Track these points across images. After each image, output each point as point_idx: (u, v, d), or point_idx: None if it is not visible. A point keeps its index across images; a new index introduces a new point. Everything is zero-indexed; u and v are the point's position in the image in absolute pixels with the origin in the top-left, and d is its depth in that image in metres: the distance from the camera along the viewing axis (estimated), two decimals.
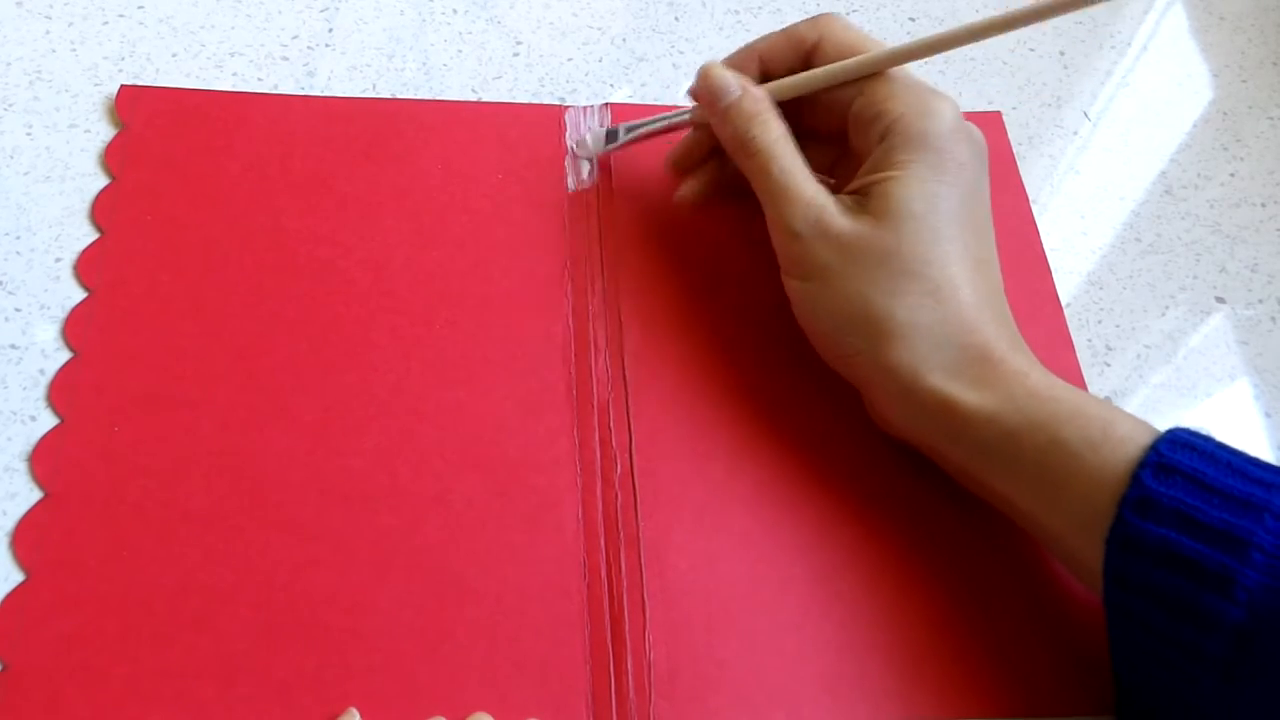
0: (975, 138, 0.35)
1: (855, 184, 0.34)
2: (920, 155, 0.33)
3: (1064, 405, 0.30)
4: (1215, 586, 0.27)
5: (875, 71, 0.35)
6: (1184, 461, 0.28)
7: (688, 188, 0.39)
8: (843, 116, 0.36)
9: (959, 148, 0.33)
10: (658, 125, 0.39)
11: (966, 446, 0.32)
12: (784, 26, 0.37)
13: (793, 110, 0.36)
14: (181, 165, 0.39)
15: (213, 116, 0.40)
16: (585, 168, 0.41)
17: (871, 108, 0.34)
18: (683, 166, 0.39)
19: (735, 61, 0.37)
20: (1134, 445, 0.29)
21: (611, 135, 0.40)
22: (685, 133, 0.39)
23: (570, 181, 0.40)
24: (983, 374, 0.31)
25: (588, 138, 0.41)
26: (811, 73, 0.36)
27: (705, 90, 0.36)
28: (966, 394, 0.31)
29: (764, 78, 0.37)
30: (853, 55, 0.35)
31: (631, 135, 0.40)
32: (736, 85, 0.36)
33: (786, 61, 0.36)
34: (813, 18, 0.36)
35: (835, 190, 0.35)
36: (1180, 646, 0.27)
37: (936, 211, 0.33)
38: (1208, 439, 0.29)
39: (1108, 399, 0.32)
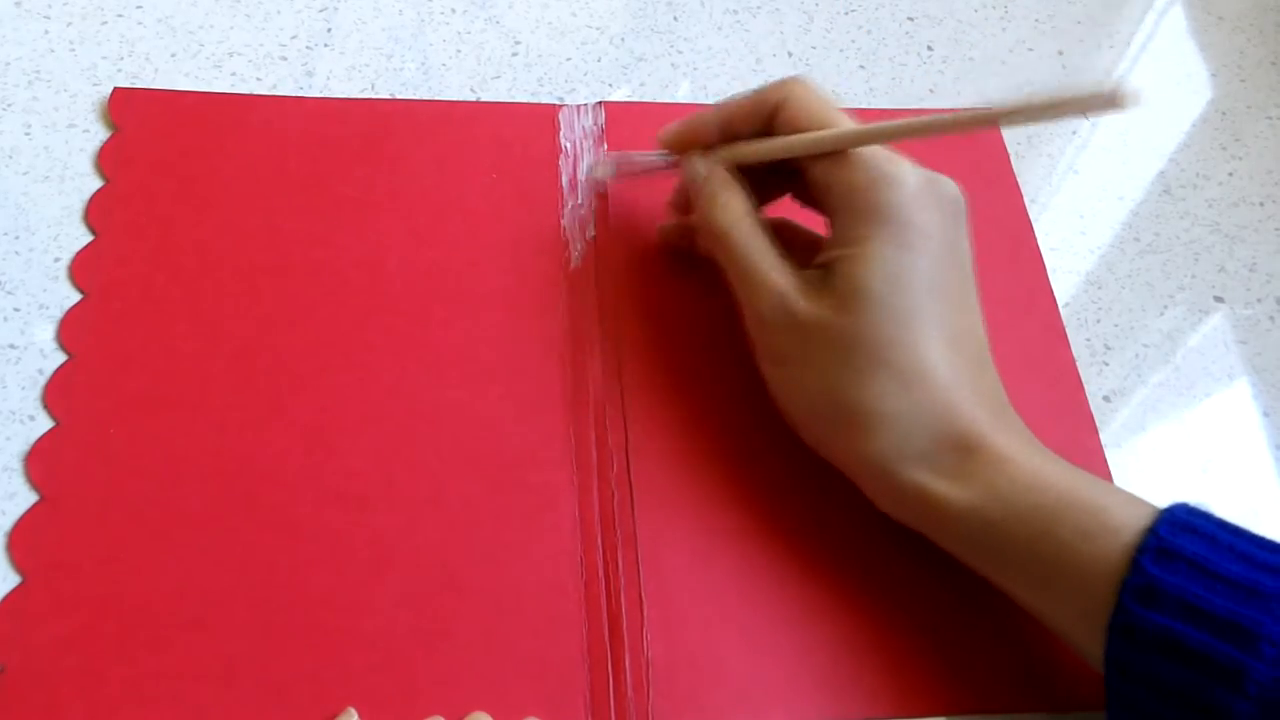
0: (945, 195, 0.32)
1: (819, 259, 0.33)
2: (879, 229, 0.31)
3: (1050, 494, 0.29)
4: (1224, 680, 0.26)
5: (834, 149, 0.33)
6: (1186, 546, 0.27)
7: (671, 224, 0.39)
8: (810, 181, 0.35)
9: (923, 215, 0.31)
10: (662, 162, 0.38)
11: (951, 537, 0.31)
12: (754, 90, 0.35)
13: (779, 170, 0.35)
14: (175, 167, 0.39)
15: (206, 118, 0.40)
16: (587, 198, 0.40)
17: (825, 177, 0.33)
18: (677, 213, 0.39)
19: (701, 122, 0.35)
20: (1130, 532, 0.28)
21: (623, 159, 0.40)
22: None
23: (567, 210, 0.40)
24: (961, 464, 0.30)
25: (599, 164, 0.40)
26: (768, 142, 0.34)
27: (682, 174, 0.36)
28: (945, 487, 0.30)
29: (728, 139, 0.35)
30: (814, 124, 0.33)
31: (642, 164, 0.39)
32: (704, 167, 0.35)
33: (750, 123, 0.35)
34: (780, 80, 0.34)
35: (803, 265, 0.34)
36: None
37: (901, 290, 0.31)
38: (1208, 518, 0.28)
39: (1095, 477, 0.31)
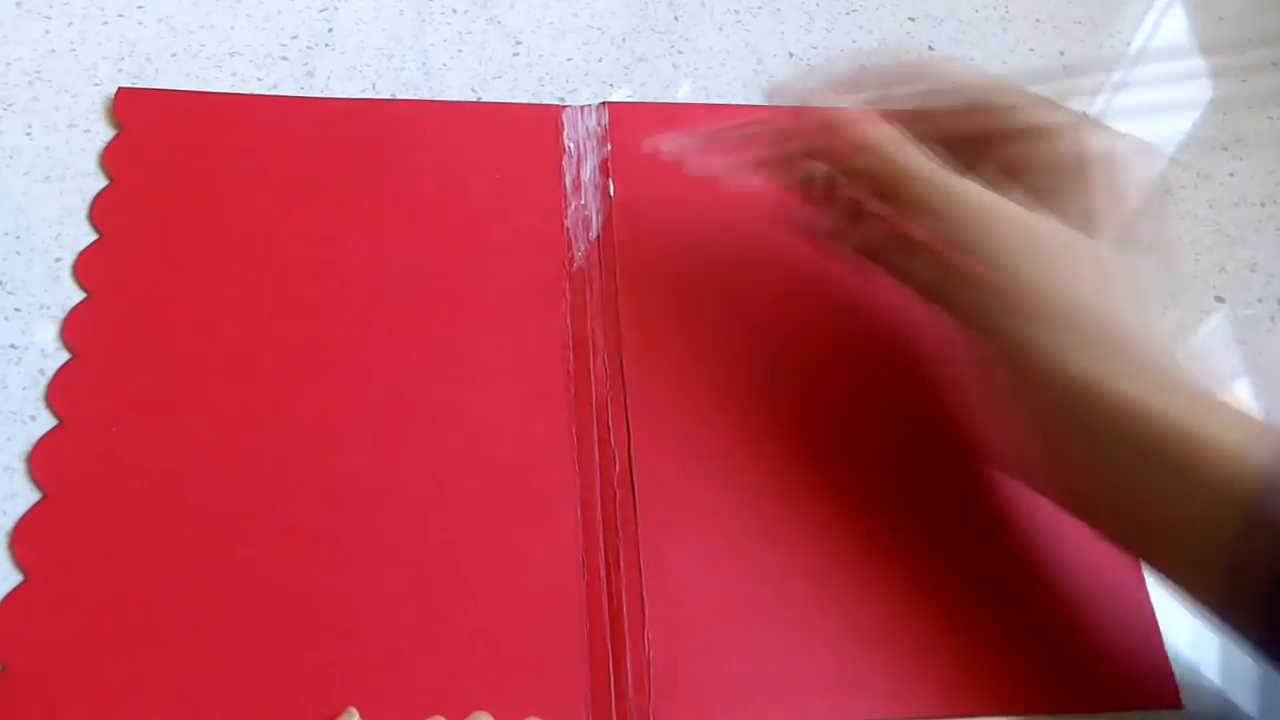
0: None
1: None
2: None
3: (1206, 399, 0.29)
4: None
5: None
6: None
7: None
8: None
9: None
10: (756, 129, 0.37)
11: (1098, 438, 0.30)
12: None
13: None
14: (179, 167, 0.39)
15: (210, 118, 0.40)
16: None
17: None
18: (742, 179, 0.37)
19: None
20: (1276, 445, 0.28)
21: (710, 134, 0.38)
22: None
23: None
24: (1123, 357, 0.30)
25: (671, 143, 0.38)
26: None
27: (831, 124, 0.34)
28: (1110, 377, 0.30)
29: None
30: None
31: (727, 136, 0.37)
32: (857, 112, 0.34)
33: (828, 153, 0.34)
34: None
35: None
36: None
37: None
38: None
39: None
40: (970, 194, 0.32)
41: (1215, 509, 0.28)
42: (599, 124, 0.42)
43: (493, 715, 0.30)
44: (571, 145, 0.41)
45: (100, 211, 0.37)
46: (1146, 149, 0.33)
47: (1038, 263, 0.31)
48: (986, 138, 0.34)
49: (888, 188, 0.33)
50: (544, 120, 0.42)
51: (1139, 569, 0.35)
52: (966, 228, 0.32)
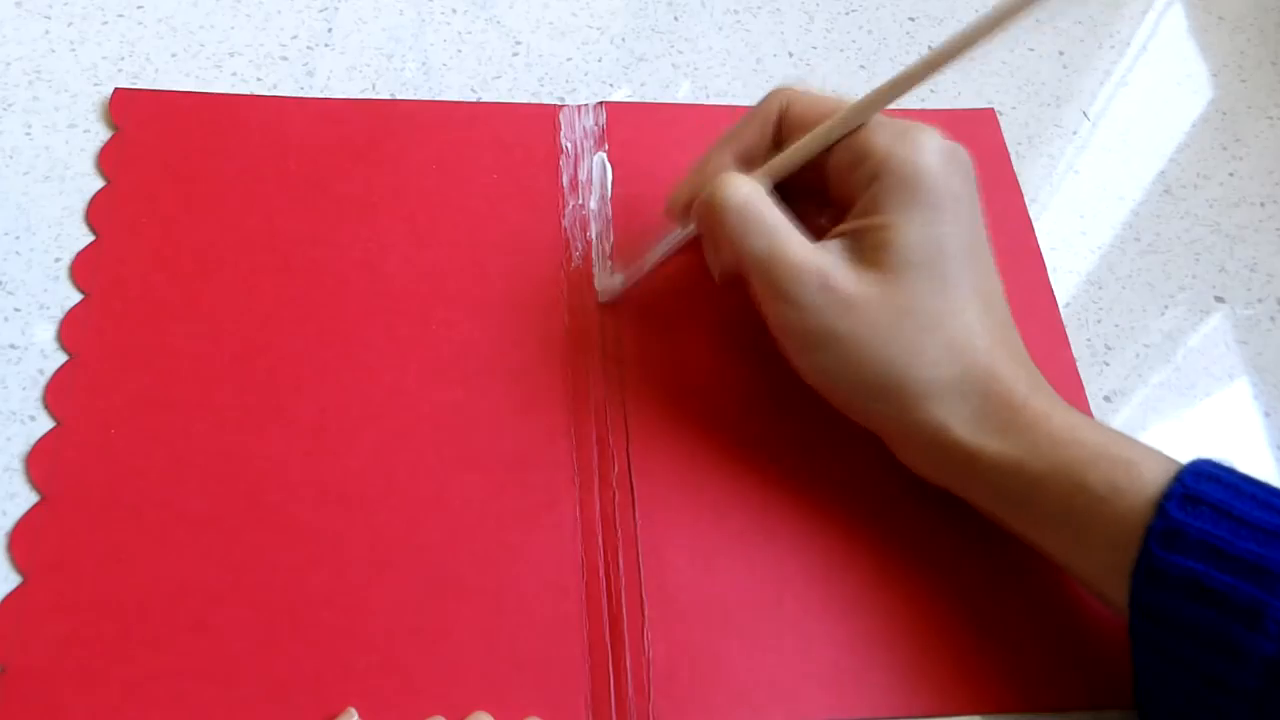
0: (962, 160, 0.33)
1: (846, 227, 0.32)
2: (915, 197, 0.31)
3: (1086, 449, 0.30)
4: (1245, 619, 0.26)
5: (847, 130, 0.33)
6: (1209, 492, 0.28)
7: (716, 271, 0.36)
8: (816, 170, 0.34)
9: (952, 180, 0.32)
10: (676, 242, 0.36)
11: (991, 493, 0.32)
12: (747, 110, 0.35)
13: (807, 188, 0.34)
14: (176, 168, 0.39)
15: (207, 119, 0.40)
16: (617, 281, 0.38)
17: (852, 153, 0.33)
18: (730, 281, 0.36)
19: (714, 164, 0.35)
20: (1157, 483, 0.29)
21: (631, 272, 0.38)
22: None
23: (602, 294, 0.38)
24: (1006, 422, 0.31)
25: (611, 281, 0.38)
26: (786, 153, 0.33)
27: (676, 204, 0.35)
28: (992, 443, 0.31)
29: (746, 170, 0.34)
30: (819, 118, 0.33)
31: (655, 259, 0.37)
32: (701, 177, 0.34)
33: (761, 142, 0.34)
34: (768, 94, 0.34)
35: (817, 236, 0.33)
36: (1210, 680, 0.27)
37: (942, 257, 0.31)
38: (1231, 471, 0.29)
39: (1127, 434, 0.31)
40: (808, 278, 0.31)
41: (1109, 556, 0.29)
42: (597, 124, 0.42)
43: (492, 715, 0.30)
44: (569, 145, 0.41)
45: (97, 213, 0.37)
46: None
47: (896, 349, 0.31)
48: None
49: (746, 273, 0.33)
50: (542, 120, 0.42)
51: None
52: (813, 315, 0.32)
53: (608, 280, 0.38)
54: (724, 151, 0.35)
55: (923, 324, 0.31)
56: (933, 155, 0.32)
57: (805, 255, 0.32)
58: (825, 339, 0.32)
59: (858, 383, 0.32)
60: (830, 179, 0.34)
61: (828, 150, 0.33)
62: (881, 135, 0.32)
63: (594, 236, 0.39)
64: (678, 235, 0.36)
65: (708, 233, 0.34)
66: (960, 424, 0.31)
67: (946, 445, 0.31)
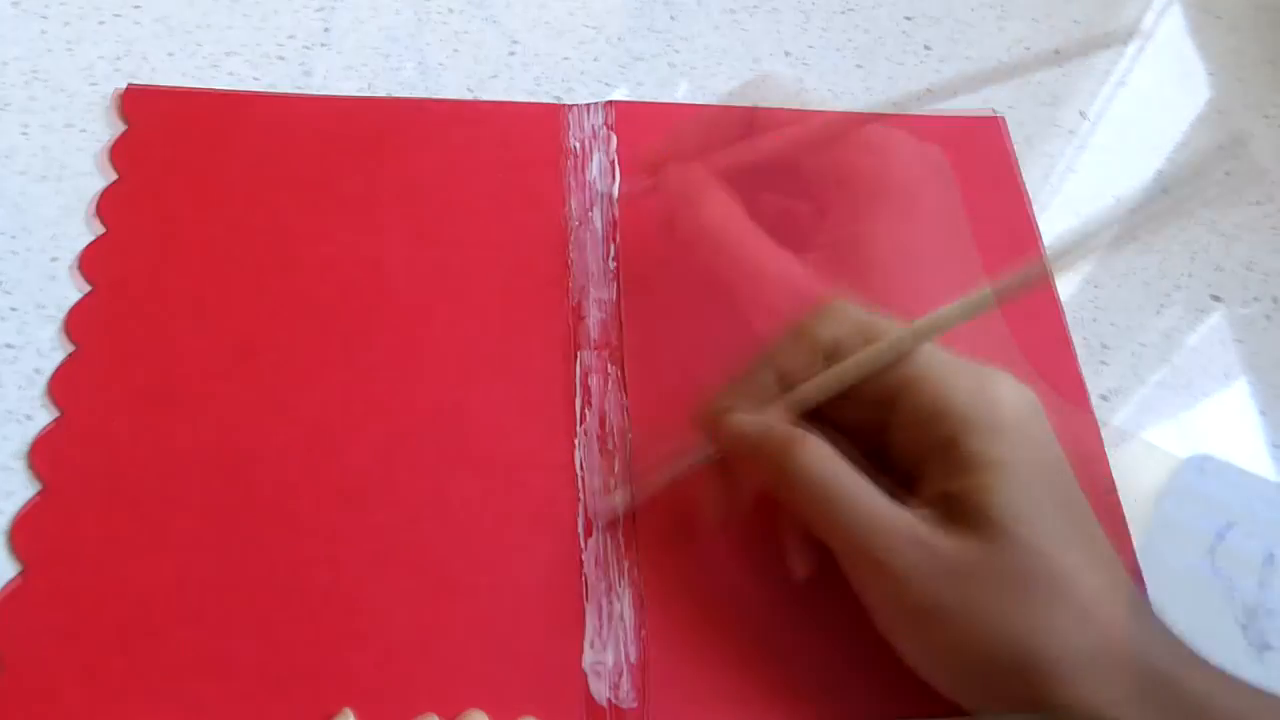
0: (1029, 398, 0.30)
1: (932, 491, 0.29)
2: (1003, 450, 0.28)
3: None
4: None
5: (893, 357, 0.30)
6: None
7: (801, 564, 0.32)
8: (872, 407, 0.30)
9: (1031, 426, 0.29)
10: (692, 461, 0.33)
11: None
12: (793, 328, 0.31)
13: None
14: (184, 164, 0.39)
15: (215, 116, 0.40)
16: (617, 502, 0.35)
17: (925, 408, 0.29)
18: (731, 522, 0.33)
19: (750, 382, 0.31)
20: None
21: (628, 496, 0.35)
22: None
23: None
24: (1168, 702, 0.27)
25: (604, 509, 0.34)
26: (827, 374, 0.30)
27: (723, 441, 0.31)
28: None
29: (785, 389, 0.31)
30: (871, 337, 0.30)
31: (651, 490, 0.34)
32: (753, 420, 0.30)
33: (809, 368, 0.30)
34: (821, 311, 0.31)
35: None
36: None
37: (1043, 513, 0.28)
38: None
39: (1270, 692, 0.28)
40: (907, 546, 0.28)
41: None
42: (604, 123, 0.42)
43: (488, 714, 0.30)
44: (576, 145, 0.41)
45: (106, 207, 0.38)
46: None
47: (1020, 620, 0.27)
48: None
49: (831, 545, 0.30)
50: (546, 119, 0.42)
51: (1135, 566, 0.35)
52: (918, 585, 0.28)
53: (603, 502, 0.34)
54: (766, 372, 0.31)
55: (1044, 590, 0.27)
56: (1010, 405, 0.29)
57: (901, 522, 0.28)
58: (937, 615, 0.28)
59: (982, 664, 0.28)
60: (897, 431, 0.30)
61: (886, 394, 0.30)
62: (957, 392, 0.29)
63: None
64: (699, 457, 0.32)
65: (780, 498, 0.31)
66: (1114, 705, 0.27)
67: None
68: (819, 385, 0.30)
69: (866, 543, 0.28)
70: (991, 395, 0.29)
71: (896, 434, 0.30)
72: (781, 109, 0.32)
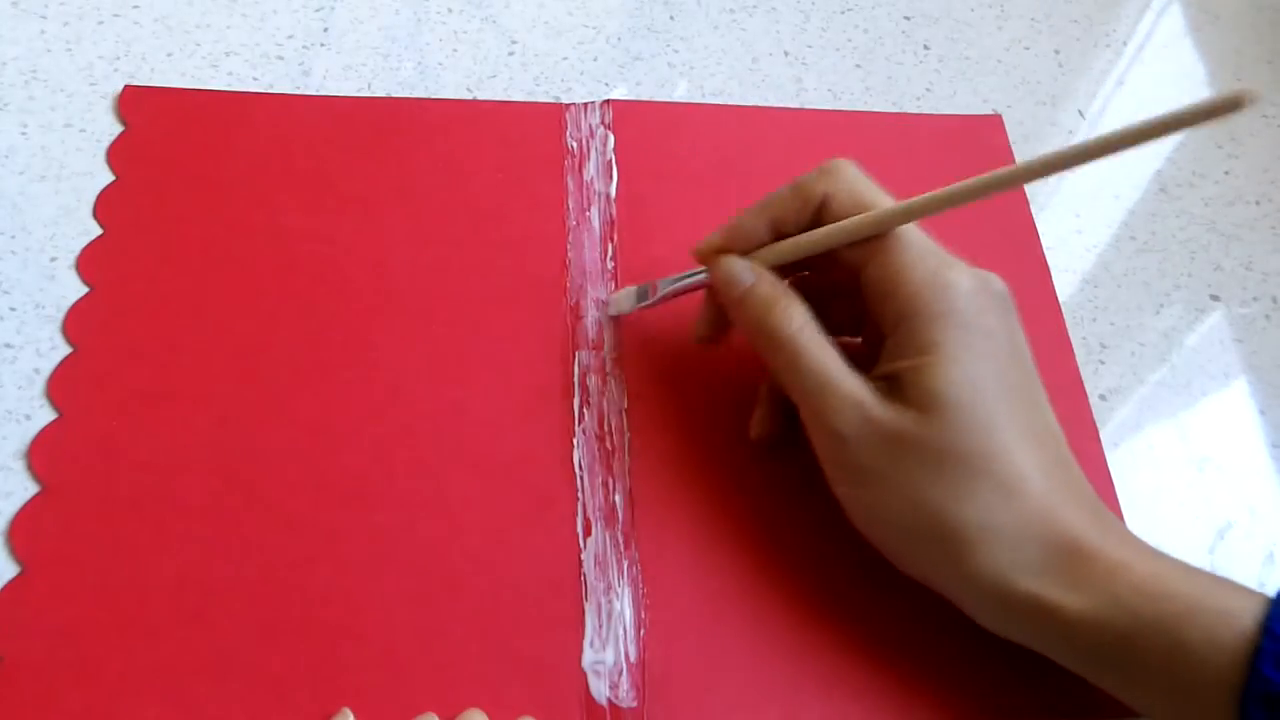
0: (997, 292, 0.32)
1: (883, 369, 0.31)
2: (947, 335, 0.30)
3: (1178, 602, 0.28)
4: None
5: (882, 231, 0.31)
6: None
7: (760, 424, 0.36)
8: (856, 274, 0.33)
9: (985, 317, 0.31)
10: (692, 281, 0.35)
11: (1073, 649, 0.29)
12: (793, 181, 0.33)
13: (809, 264, 0.34)
14: (183, 164, 0.39)
15: (215, 116, 0.40)
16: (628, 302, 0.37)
17: (884, 283, 0.31)
18: (712, 336, 0.36)
19: (745, 226, 0.33)
20: (1255, 617, 0.27)
21: (643, 293, 0.36)
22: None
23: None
24: (1080, 572, 0.29)
25: (619, 298, 0.37)
26: (810, 235, 0.32)
27: (717, 280, 0.34)
28: (1066, 596, 0.29)
29: (777, 239, 0.33)
30: (860, 209, 0.32)
31: (667, 291, 0.36)
32: (749, 272, 0.33)
33: (797, 219, 0.33)
34: (821, 168, 0.33)
35: (862, 358, 0.32)
36: None
37: (981, 396, 0.30)
38: None
39: (1209, 573, 0.29)
40: (852, 411, 0.31)
41: (1214, 713, 0.27)
42: (602, 122, 0.42)
43: (486, 714, 0.30)
44: (575, 144, 0.41)
45: (104, 207, 0.38)
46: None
47: (942, 492, 0.30)
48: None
49: (795, 401, 0.32)
50: (546, 118, 0.42)
51: None
52: (857, 449, 0.31)
53: (622, 300, 0.37)
54: (760, 216, 0.33)
55: (968, 465, 0.29)
56: (962, 294, 0.31)
57: (851, 388, 0.31)
58: (870, 476, 0.31)
59: (906, 526, 0.31)
60: (866, 299, 0.32)
61: (861, 263, 0.32)
62: (914, 272, 0.31)
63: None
64: (699, 276, 0.35)
65: (755, 347, 0.33)
66: (1026, 574, 0.29)
67: (1014, 598, 0.29)
68: (803, 242, 0.32)
69: (819, 403, 0.31)
70: (945, 281, 0.31)
71: (868, 304, 0.32)
72: (850, 200, 0.32)
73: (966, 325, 0.30)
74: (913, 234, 0.32)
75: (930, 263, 0.31)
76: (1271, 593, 0.28)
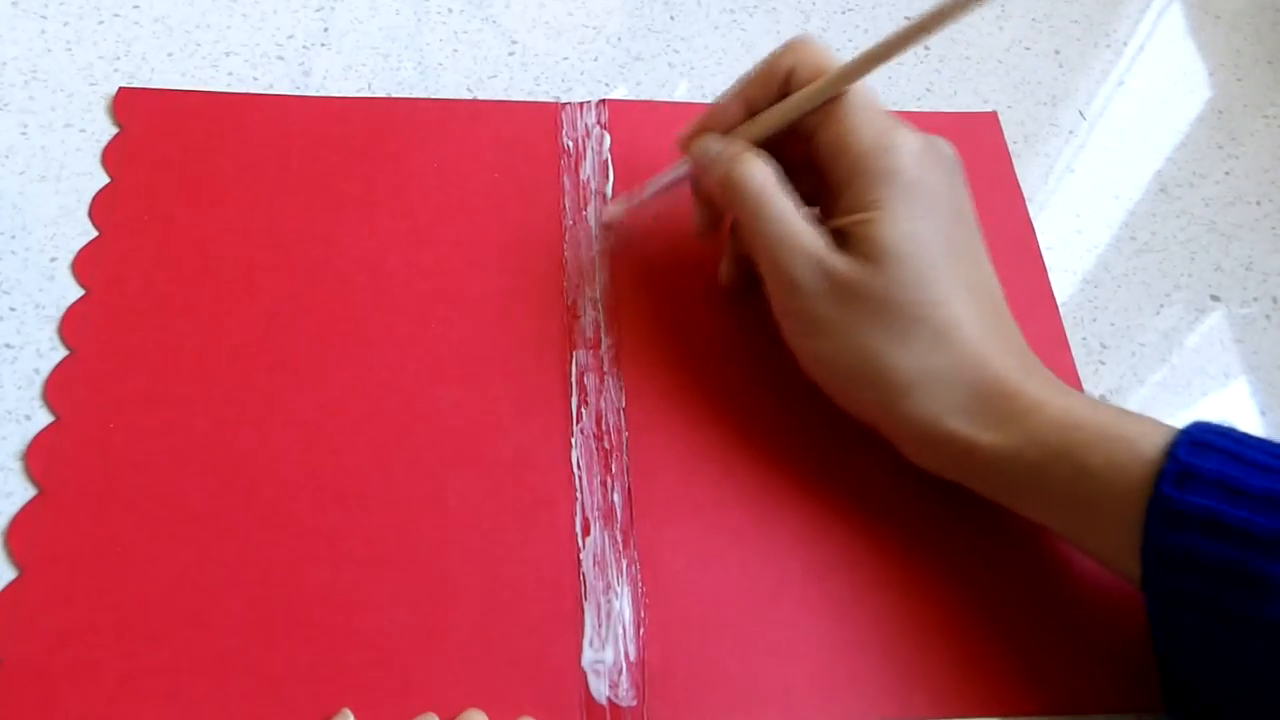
0: (944, 155, 0.34)
1: (834, 224, 0.33)
2: (890, 192, 0.32)
3: (1085, 431, 0.30)
4: (1270, 550, 0.26)
5: (835, 92, 0.33)
6: (1214, 441, 0.28)
7: (726, 272, 0.38)
8: (806, 141, 0.35)
9: (929, 176, 0.33)
10: (677, 175, 0.38)
11: (993, 482, 0.32)
12: (765, 58, 0.35)
13: (776, 144, 0.35)
14: (179, 165, 0.39)
15: (210, 117, 0.40)
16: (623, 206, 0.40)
17: (834, 146, 0.34)
18: (709, 233, 0.38)
19: (721, 108, 0.36)
20: (1158, 448, 0.29)
21: (632, 199, 0.39)
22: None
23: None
24: (1000, 411, 0.31)
25: (611, 208, 0.40)
26: (776, 107, 0.35)
27: (694, 157, 0.36)
28: (986, 434, 0.31)
29: (752, 117, 0.36)
30: (818, 70, 0.34)
31: (656, 189, 0.38)
32: (719, 141, 0.35)
33: (766, 94, 0.35)
34: (788, 43, 0.35)
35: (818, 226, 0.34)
36: (1229, 615, 0.27)
37: (922, 249, 0.32)
38: (1230, 428, 0.29)
39: (1120, 408, 0.32)
40: (807, 261, 0.33)
41: (1119, 533, 0.29)
42: (598, 121, 0.42)
43: (486, 714, 0.30)
44: (570, 143, 0.41)
45: (100, 210, 0.38)
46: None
47: (881, 337, 0.32)
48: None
49: (756, 255, 0.34)
50: (543, 118, 0.42)
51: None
52: (809, 298, 0.33)
53: (614, 209, 0.39)
54: (736, 99, 0.35)
55: (906, 313, 0.32)
56: (906, 154, 0.33)
57: (808, 240, 0.33)
58: (819, 324, 0.33)
59: (849, 371, 0.33)
60: (819, 164, 0.35)
61: (814, 131, 0.34)
62: (859, 132, 0.33)
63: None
64: (682, 169, 0.37)
65: (724, 205, 0.36)
66: (953, 415, 0.32)
67: (941, 437, 0.32)
68: (770, 116, 0.35)
69: (776, 251, 0.33)
70: (891, 142, 0.33)
71: (819, 169, 0.34)
72: (811, 71, 0.34)
73: (910, 183, 0.32)
74: (861, 100, 0.34)
75: (878, 125, 0.33)
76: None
